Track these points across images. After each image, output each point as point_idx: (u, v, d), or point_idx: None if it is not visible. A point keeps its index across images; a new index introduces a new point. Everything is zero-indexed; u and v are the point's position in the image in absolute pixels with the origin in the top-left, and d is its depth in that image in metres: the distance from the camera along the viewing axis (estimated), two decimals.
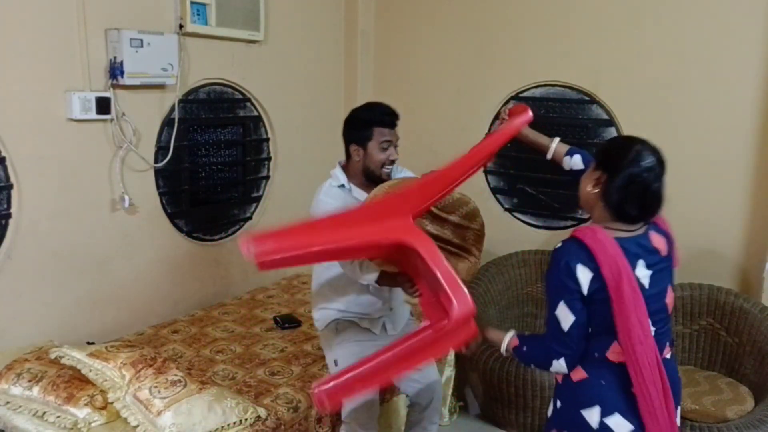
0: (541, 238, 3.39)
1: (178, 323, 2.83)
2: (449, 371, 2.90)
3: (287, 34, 3.37)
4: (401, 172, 2.42)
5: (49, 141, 2.40)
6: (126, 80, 2.50)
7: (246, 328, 2.80)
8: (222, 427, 1.96)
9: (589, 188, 1.64)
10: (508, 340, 1.72)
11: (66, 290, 2.53)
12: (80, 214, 2.54)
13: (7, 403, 2.08)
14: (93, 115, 2.48)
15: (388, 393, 2.61)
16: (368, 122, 2.27)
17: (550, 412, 1.74)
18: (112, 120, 2.56)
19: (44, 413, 2.02)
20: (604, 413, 1.56)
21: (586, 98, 3.19)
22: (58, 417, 2.00)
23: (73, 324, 2.56)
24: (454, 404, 3.03)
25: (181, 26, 2.76)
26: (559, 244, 1.60)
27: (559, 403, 1.67)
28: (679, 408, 1.65)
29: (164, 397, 1.96)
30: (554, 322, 1.57)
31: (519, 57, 3.33)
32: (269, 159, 3.41)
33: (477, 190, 3.58)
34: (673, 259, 1.75)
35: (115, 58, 2.49)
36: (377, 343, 2.36)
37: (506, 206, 3.52)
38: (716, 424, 2.32)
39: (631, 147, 1.62)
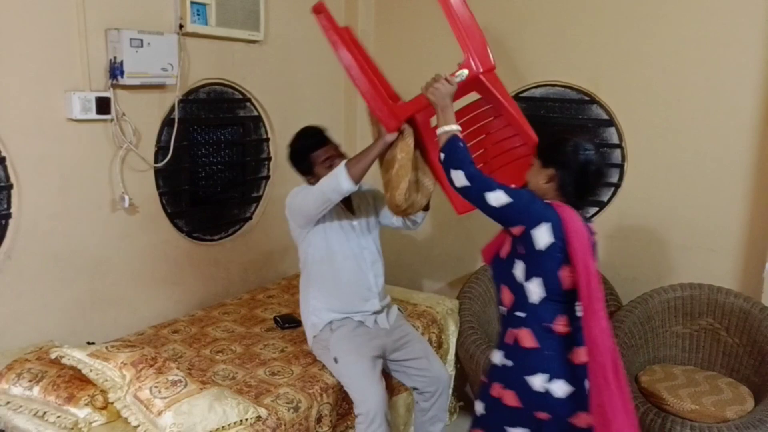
0: None
1: (178, 323, 2.83)
2: (450, 371, 2.90)
3: (287, 34, 3.37)
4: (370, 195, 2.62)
5: (49, 141, 2.40)
6: (126, 80, 2.50)
7: (246, 328, 2.80)
8: (222, 427, 1.96)
9: (541, 182, 1.84)
10: (456, 128, 1.93)
11: (66, 290, 2.53)
12: (80, 214, 2.54)
13: (8, 403, 2.08)
14: (93, 115, 2.47)
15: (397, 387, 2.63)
16: (303, 152, 2.45)
17: (496, 362, 1.90)
18: (112, 120, 2.56)
19: (45, 413, 2.02)
20: (549, 379, 1.76)
21: (586, 98, 3.19)
22: (59, 417, 2.00)
23: (73, 324, 2.56)
24: (454, 404, 3.03)
25: (181, 26, 2.76)
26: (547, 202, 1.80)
27: (510, 363, 1.84)
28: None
29: (165, 397, 1.96)
30: (493, 185, 1.80)
31: (519, 57, 3.33)
32: (269, 159, 3.41)
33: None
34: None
35: (115, 58, 2.49)
36: (372, 336, 2.41)
37: None
38: (716, 424, 2.32)
39: (569, 141, 1.84)
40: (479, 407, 1.97)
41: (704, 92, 2.88)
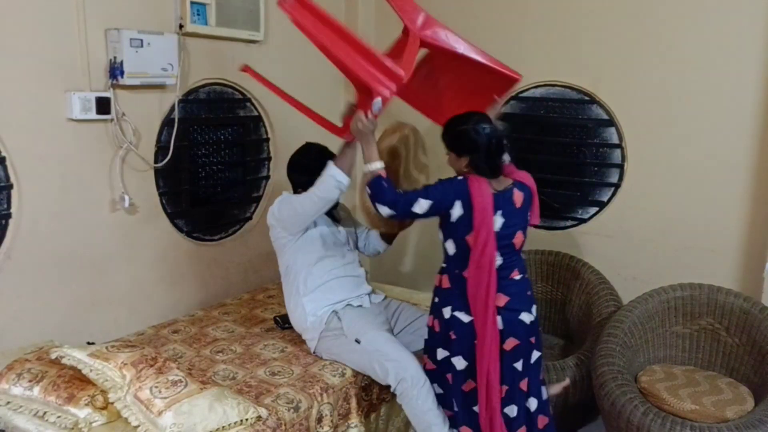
0: (541, 239, 3.39)
1: (179, 323, 2.83)
2: None
3: (287, 34, 3.36)
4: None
5: (49, 141, 2.40)
6: (126, 80, 2.50)
7: (246, 328, 2.80)
8: (223, 427, 1.96)
9: (463, 167, 2.18)
10: (380, 165, 2.20)
11: (66, 290, 2.53)
12: (80, 214, 2.54)
13: (8, 403, 2.08)
14: (93, 115, 2.48)
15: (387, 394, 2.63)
16: (310, 170, 2.48)
17: (429, 302, 2.36)
18: (112, 120, 2.56)
19: (45, 413, 2.02)
20: (453, 310, 2.22)
21: (586, 98, 3.19)
22: (59, 417, 2.00)
23: (73, 324, 2.56)
24: None
25: (181, 26, 2.76)
26: (460, 178, 2.15)
27: (436, 299, 2.30)
28: (524, 314, 2.24)
29: (165, 397, 1.96)
30: (415, 198, 2.14)
31: (519, 57, 3.31)
32: (269, 159, 3.41)
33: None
34: (528, 210, 2.27)
35: (115, 58, 2.49)
36: (375, 313, 2.57)
37: None
38: (716, 424, 2.32)
39: (468, 128, 2.14)
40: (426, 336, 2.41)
41: (704, 92, 2.88)
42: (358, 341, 2.39)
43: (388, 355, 2.33)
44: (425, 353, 2.38)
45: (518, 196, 2.21)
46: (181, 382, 2.04)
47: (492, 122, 2.21)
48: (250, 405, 2.07)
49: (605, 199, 3.21)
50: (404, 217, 2.22)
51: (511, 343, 2.22)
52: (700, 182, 2.94)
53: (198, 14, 2.82)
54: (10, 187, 2.32)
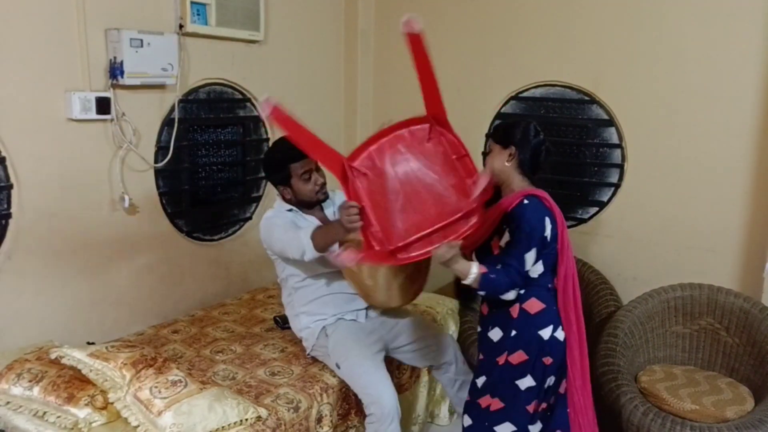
0: None
1: (178, 323, 2.83)
2: None
3: (287, 34, 3.37)
4: (338, 195, 2.55)
5: (49, 141, 2.40)
6: (126, 80, 2.50)
7: (246, 328, 2.80)
8: (222, 427, 1.96)
9: (506, 163, 2.08)
10: (477, 269, 2.00)
11: (66, 290, 2.53)
12: (80, 214, 2.54)
13: (8, 403, 2.08)
14: (93, 115, 2.47)
15: (407, 383, 2.67)
16: (281, 162, 2.38)
17: (495, 339, 2.12)
18: (112, 120, 2.56)
19: (45, 413, 2.02)
20: (554, 329, 2.06)
21: (586, 98, 3.19)
22: (59, 417, 2.00)
23: (73, 324, 2.56)
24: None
25: (181, 26, 2.76)
26: (526, 201, 2.01)
27: (513, 332, 2.07)
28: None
29: (165, 397, 1.96)
30: (521, 261, 1.98)
31: (519, 57, 3.33)
32: None
33: None
34: None
35: (115, 58, 2.49)
36: (368, 330, 2.46)
37: None
38: (716, 424, 2.32)
39: (521, 123, 2.11)
40: (480, 378, 2.18)
41: (704, 92, 2.88)
42: (338, 366, 2.35)
43: (360, 388, 2.30)
44: (491, 394, 2.12)
45: None
46: (181, 382, 2.04)
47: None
48: (249, 405, 2.07)
49: (605, 199, 3.21)
50: (521, 284, 2.02)
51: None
52: (700, 182, 2.94)
53: (198, 14, 2.82)
54: (10, 187, 2.32)
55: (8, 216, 2.33)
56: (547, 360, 2.06)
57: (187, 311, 2.99)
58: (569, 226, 3.31)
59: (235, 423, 1.99)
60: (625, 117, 3.10)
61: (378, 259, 1.97)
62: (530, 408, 2.07)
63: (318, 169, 2.41)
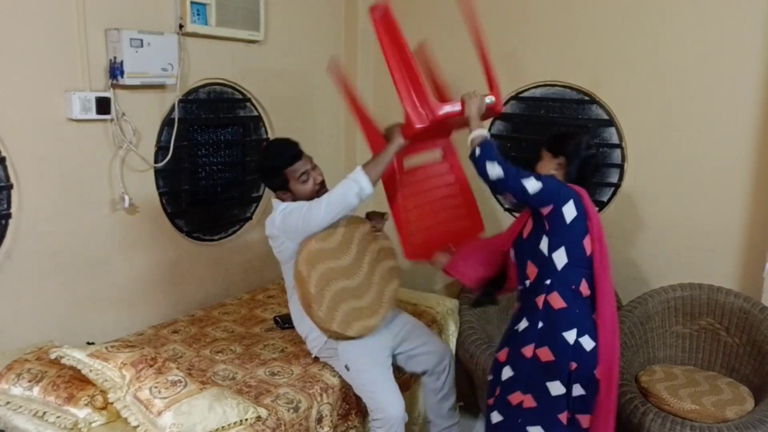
0: None
1: (178, 323, 2.83)
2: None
3: (287, 34, 3.37)
4: None
5: (49, 141, 2.40)
6: (126, 80, 2.50)
7: (246, 328, 2.80)
8: (222, 427, 1.96)
9: (552, 171, 2.14)
10: (485, 133, 2.16)
11: (66, 290, 2.53)
12: (80, 214, 2.54)
13: (8, 403, 2.08)
14: (93, 115, 2.47)
15: (407, 383, 2.67)
16: (277, 169, 2.36)
17: (521, 328, 2.11)
18: (112, 120, 2.56)
19: (44, 413, 2.02)
20: (579, 334, 2.02)
21: (586, 98, 3.19)
22: (59, 417, 2.00)
23: (73, 324, 2.56)
24: (455, 404, 3.03)
25: (181, 26, 2.76)
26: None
27: (540, 324, 2.06)
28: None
29: (165, 397, 1.96)
30: (526, 174, 2.05)
31: (519, 57, 3.33)
32: None
33: (477, 190, 3.58)
34: None
35: (115, 58, 2.49)
36: (375, 336, 2.42)
37: (506, 206, 3.52)
38: (716, 424, 2.32)
39: (575, 135, 2.18)
40: (507, 372, 2.15)
41: (704, 92, 2.88)
42: (347, 368, 2.35)
43: (368, 393, 2.32)
44: (522, 390, 2.11)
45: None
46: (181, 382, 2.04)
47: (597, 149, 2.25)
48: (249, 405, 2.07)
49: (605, 199, 3.21)
50: (513, 187, 2.05)
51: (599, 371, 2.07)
52: (700, 182, 2.94)
53: (198, 14, 2.82)
54: (10, 187, 2.32)
55: (8, 216, 2.33)
56: (572, 365, 2.02)
57: (187, 311, 2.99)
58: None
59: (235, 423, 1.99)
60: (625, 117, 3.10)
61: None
62: (562, 417, 2.03)
63: (314, 167, 2.39)
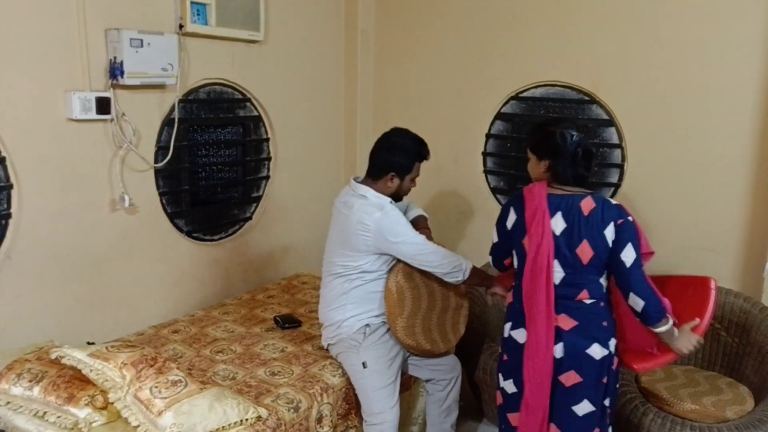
0: None
1: (178, 323, 2.83)
2: None
3: (287, 34, 3.37)
4: (414, 209, 2.67)
5: (49, 141, 2.40)
6: (126, 80, 2.50)
7: (246, 328, 2.80)
8: (223, 427, 1.96)
9: (542, 173, 2.07)
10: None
11: (66, 290, 2.53)
12: (80, 214, 2.54)
13: (8, 403, 2.08)
14: (93, 115, 2.47)
15: (407, 383, 2.68)
16: (417, 157, 2.41)
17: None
18: (112, 120, 2.56)
19: (45, 413, 2.02)
20: (512, 327, 2.10)
21: (586, 98, 3.19)
22: (59, 417, 2.00)
23: (73, 324, 2.56)
24: (454, 423, 3.02)
25: (181, 26, 2.76)
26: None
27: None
28: (595, 345, 2.00)
29: (165, 397, 1.96)
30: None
31: (519, 57, 3.33)
32: (269, 159, 3.41)
33: (476, 190, 3.59)
34: (604, 226, 1.97)
35: (115, 58, 2.49)
36: (393, 341, 2.44)
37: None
38: (716, 424, 2.32)
39: (555, 133, 2.02)
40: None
41: (704, 92, 2.88)
42: (365, 365, 2.35)
43: (373, 395, 2.33)
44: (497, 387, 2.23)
45: (587, 204, 1.98)
46: (181, 382, 2.04)
47: (580, 130, 2.05)
48: (250, 405, 2.07)
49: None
50: (499, 261, 2.27)
51: (571, 378, 1.98)
52: (700, 182, 2.94)
53: (198, 14, 2.82)
54: (10, 187, 2.32)
55: (8, 216, 2.33)
56: (504, 357, 2.14)
57: (187, 311, 2.99)
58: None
59: (235, 423, 1.99)
60: (625, 117, 3.10)
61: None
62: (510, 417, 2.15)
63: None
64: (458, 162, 3.60)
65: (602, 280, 2.03)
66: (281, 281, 3.45)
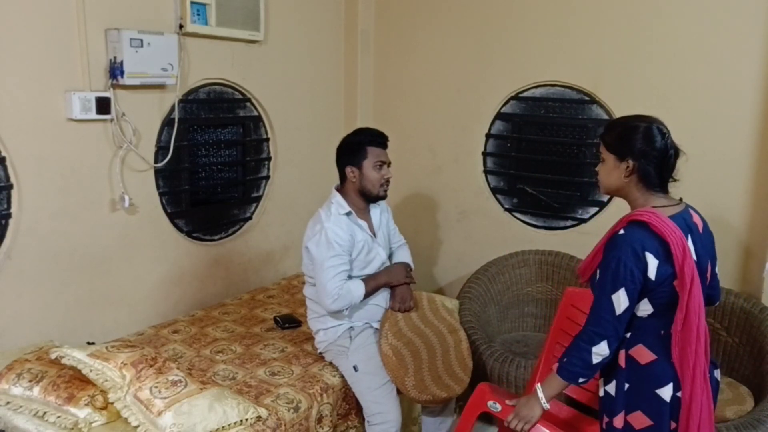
0: (541, 239, 3.39)
1: (178, 323, 2.83)
2: None
3: (287, 34, 3.37)
4: (386, 211, 2.62)
5: (49, 141, 2.40)
6: (126, 80, 2.50)
7: (246, 328, 2.80)
8: (223, 427, 1.96)
9: (623, 178, 1.72)
10: (545, 383, 1.78)
11: (66, 290, 2.53)
12: (80, 214, 2.54)
13: (8, 403, 2.08)
14: (93, 115, 2.47)
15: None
16: (361, 143, 2.40)
17: (613, 392, 1.74)
18: (112, 120, 2.56)
19: (45, 413, 2.02)
20: (676, 389, 1.66)
21: (586, 98, 3.19)
22: (59, 417, 2.00)
23: (73, 324, 2.56)
24: (455, 404, 3.03)
25: (181, 26, 2.76)
26: (622, 231, 1.65)
27: (626, 386, 1.71)
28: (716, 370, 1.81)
29: (165, 397, 1.96)
30: (606, 306, 1.64)
31: (519, 57, 3.33)
32: (269, 159, 3.41)
33: (477, 190, 3.59)
34: (711, 243, 1.79)
35: (115, 58, 2.49)
36: None
37: (506, 206, 3.53)
38: (716, 424, 2.32)
39: (640, 128, 1.72)
40: None
41: (704, 92, 2.88)
42: (356, 368, 2.36)
43: (371, 397, 2.33)
44: None
45: (697, 219, 1.75)
46: (181, 382, 2.04)
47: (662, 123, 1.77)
48: (250, 405, 2.07)
49: (605, 199, 3.21)
50: (623, 332, 1.69)
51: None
52: (700, 182, 2.93)
53: (198, 14, 2.82)
54: (10, 187, 2.32)
55: (8, 216, 2.33)
56: (673, 425, 1.68)
57: (187, 311, 2.99)
58: (569, 226, 3.34)
59: (235, 423, 1.99)
60: None
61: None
62: None
63: (389, 165, 2.44)
64: (458, 162, 3.60)
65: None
66: (281, 281, 3.45)
